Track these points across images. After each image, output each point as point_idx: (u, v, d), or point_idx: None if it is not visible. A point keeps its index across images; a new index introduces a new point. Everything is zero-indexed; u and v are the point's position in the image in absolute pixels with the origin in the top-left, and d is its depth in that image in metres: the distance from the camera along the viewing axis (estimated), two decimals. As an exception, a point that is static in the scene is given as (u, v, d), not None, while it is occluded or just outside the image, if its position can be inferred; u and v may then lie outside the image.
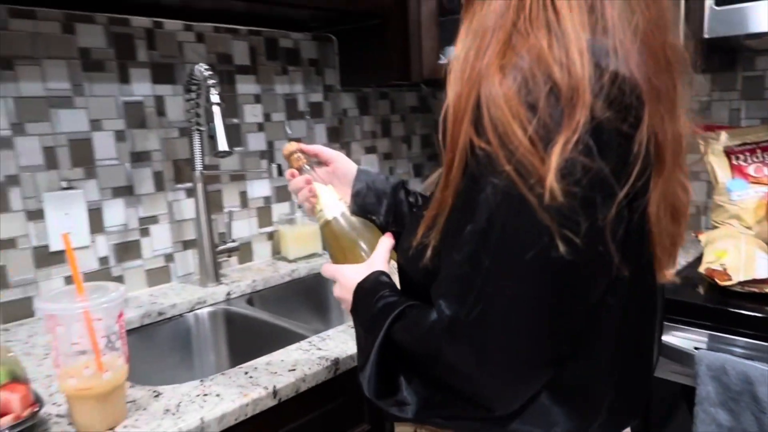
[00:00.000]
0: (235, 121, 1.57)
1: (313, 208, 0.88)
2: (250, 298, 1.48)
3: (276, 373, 0.98)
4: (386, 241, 0.82)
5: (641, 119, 0.52)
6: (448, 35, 1.59)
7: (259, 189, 1.65)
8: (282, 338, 1.25)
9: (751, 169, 1.47)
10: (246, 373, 0.99)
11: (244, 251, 1.61)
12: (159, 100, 1.42)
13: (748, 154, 1.49)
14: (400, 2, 1.54)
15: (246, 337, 1.38)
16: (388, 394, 0.65)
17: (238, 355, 1.37)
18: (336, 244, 0.86)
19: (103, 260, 1.36)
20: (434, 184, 1.77)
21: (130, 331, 1.21)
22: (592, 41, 0.51)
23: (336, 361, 1.03)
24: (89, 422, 0.82)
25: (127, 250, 1.40)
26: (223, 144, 1.19)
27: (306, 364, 1.01)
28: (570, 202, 0.49)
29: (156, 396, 0.92)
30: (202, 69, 1.25)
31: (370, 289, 0.73)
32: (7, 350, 0.83)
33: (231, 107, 1.54)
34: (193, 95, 1.34)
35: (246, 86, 1.59)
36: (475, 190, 0.53)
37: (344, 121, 1.85)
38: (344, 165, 0.90)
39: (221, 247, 1.49)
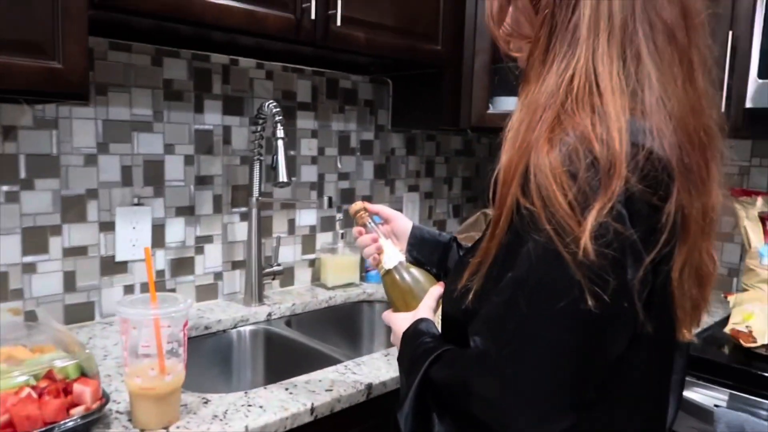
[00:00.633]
0: (292, 153, 1.68)
1: (378, 262, 0.96)
2: (289, 320, 1.57)
3: (314, 391, 1.06)
4: (435, 291, 0.89)
5: (670, 193, 0.58)
6: (498, 84, 1.69)
7: (307, 218, 1.75)
8: (315, 360, 1.33)
9: (783, 236, 1.50)
10: (286, 389, 1.07)
11: (286, 275, 1.71)
12: (226, 130, 1.54)
13: (780, 220, 1.52)
14: (456, 54, 1.65)
15: (282, 356, 1.46)
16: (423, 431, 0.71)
17: (273, 373, 1.45)
18: (394, 292, 0.94)
19: (160, 273, 1.47)
20: (470, 226, 1.84)
21: (181, 341, 1.31)
22: (631, 122, 0.58)
23: (369, 386, 1.10)
24: (147, 419, 0.91)
25: (182, 265, 1.51)
26: (283, 175, 1.29)
27: (342, 386, 1.09)
28: (601, 261, 0.55)
29: (205, 402, 1.01)
30: (271, 105, 1.37)
31: (412, 336, 0.80)
32: (83, 347, 0.93)
33: (290, 140, 1.66)
34: (259, 128, 1.46)
35: (305, 122, 1.71)
36: (517, 244, 0.60)
37: (391, 160, 1.96)
38: (402, 222, 1.01)
39: (267, 270, 1.59)
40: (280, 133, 1.33)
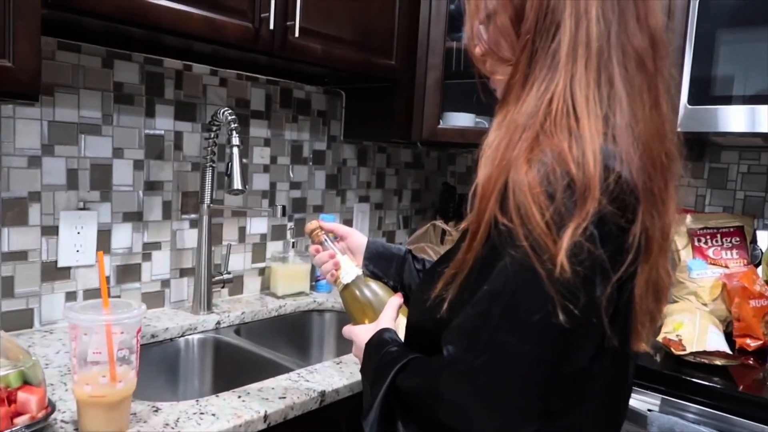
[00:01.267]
0: (245, 161, 1.67)
1: (335, 278, 0.98)
2: (238, 329, 1.55)
3: (267, 399, 1.06)
4: (395, 301, 0.92)
5: (636, 216, 0.62)
6: (448, 101, 1.74)
7: (258, 226, 1.75)
8: (265, 369, 1.32)
9: (710, 252, 1.62)
10: (239, 396, 1.07)
11: (235, 284, 1.69)
12: (178, 135, 1.52)
13: (708, 237, 1.64)
14: (409, 69, 1.69)
15: (231, 365, 1.45)
16: None
17: (222, 382, 1.43)
18: (354, 306, 0.96)
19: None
20: (420, 237, 1.88)
21: (127, 349, 1.27)
22: (603, 146, 0.62)
23: (323, 393, 1.11)
24: (96, 428, 0.89)
25: (128, 272, 1.48)
26: (238, 183, 1.29)
27: (295, 394, 1.09)
28: (574, 278, 0.58)
29: (155, 411, 0.99)
30: (226, 113, 1.37)
31: (376, 345, 0.82)
32: (28, 354, 0.90)
33: (242, 148, 1.65)
34: (212, 135, 1.45)
35: (258, 130, 1.71)
36: (494, 257, 0.62)
37: (342, 170, 1.98)
38: (357, 237, 1.03)
39: (216, 278, 1.57)
40: (235, 140, 1.32)
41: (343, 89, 1.90)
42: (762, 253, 1.62)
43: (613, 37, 0.65)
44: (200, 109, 1.56)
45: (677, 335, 1.30)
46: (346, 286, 0.96)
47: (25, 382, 0.88)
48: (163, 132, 1.50)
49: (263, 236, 1.77)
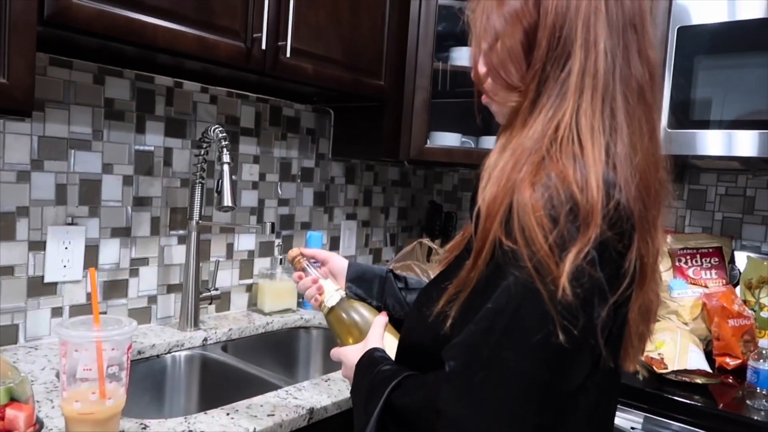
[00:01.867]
0: (234, 177, 1.68)
1: (320, 302, 0.99)
2: (225, 346, 1.55)
3: (256, 416, 1.06)
4: (380, 320, 0.93)
5: (632, 242, 0.64)
6: (435, 120, 1.77)
7: (246, 243, 1.75)
8: (253, 386, 1.32)
9: (690, 272, 1.65)
10: (227, 414, 1.07)
11: (222, 300, 1.69)
12: (168, 152, 1.53)
13: (689, 257, 1.68)
14: (398, 89, 1.72)
15: (218, 382, 1.44)
16: None
17: (208, 399, 1.42)
18: (340, 328, 0.97)
19: (90, 295, 1.42)
20: (407, 255, 1.89)
21: (113, 366, 1.27)
22: (605, 173, 0.64)
23: (311, 411, 1.12)
24: (83, 445, 0.88)
25: (115, 288, 1.47)
26: (228, 200, 1.30)
27: (283, 411, 1.09)
28: (574, 300, 0.60)
29: (144, 428, 0.99)
30: (217, 130, 1.38)
31: (368, 364, 0.82)
32: (17, 370, 0.90)
33: (232, 165, 1.66)
34: (203, 151, 1.46)
35: (247, 147, 1.72)
36: (498, 277, 0.63)
37: (330, 188, 1.99)
38: (338, 261, 1.05)
39: (204, 294, 1.57)
40: (226, 157, 1.33)
41: (331, 108, 1.93)
42: (740, 273, 1.66)
43: (617, 70, 0.67)
44: (190, 126, 1.57)
45: (659, 354, 1.33)
46: (331, 309, 0.98)
47: (13, 399, 0.87)
48: (153, 148, 1.50)
49: (251, 253, 1.77)
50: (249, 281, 1.77)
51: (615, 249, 0.63)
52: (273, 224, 1.52)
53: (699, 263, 1.66)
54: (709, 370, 1.31)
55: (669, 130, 1.52)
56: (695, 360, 1.32)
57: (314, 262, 1.05)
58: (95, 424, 0.88)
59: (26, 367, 1.19)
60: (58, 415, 0.97)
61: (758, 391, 1.25)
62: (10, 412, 0.84)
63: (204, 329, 1.54)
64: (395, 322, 0.98)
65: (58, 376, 1.15)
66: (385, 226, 2.22)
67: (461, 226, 2.32)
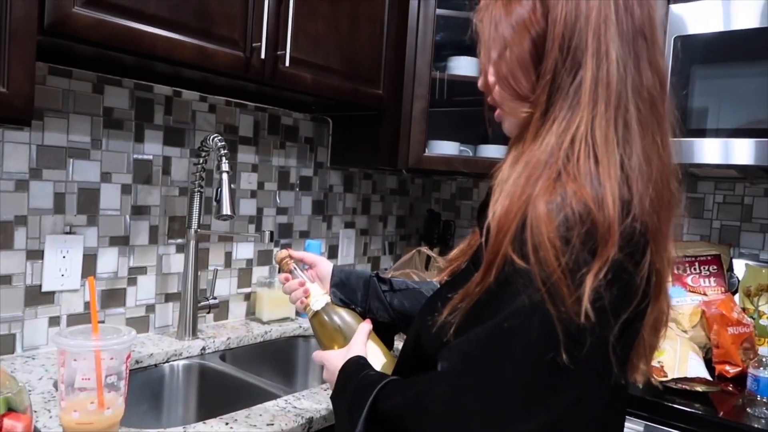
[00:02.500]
0: (232, 186, 1.68)
1: (305, 306, 1.01)
2: (223, 355, 1.54)
3: (255, 425, 1.06)
4: (364, 327, 0.94)
5: (645, 257, 0.63)
6: (433, 129, 1.78)
7: (244, 251, 1.75)
8: (251, 395, 1.32)
9: (689, 279, 1.66)
10: (226, 423, 1.06)
11: (221, 309, 1.68)
12: (166, 161, 1.53)
13: (687, 265, 1.68)
14: (396, 98, 1.73)
15: (217, 391, 1.44)
16: None
17: (207, 408, 1.42)
18: (324, 333, 0.98)
19: (88, 305, 1.42)
20: (406, 263, 1.88)
21: (111, 375, 1.26)
22: (620, 189, 0.63)
23: (310, 420, 1.11)
24: (81, 456, 0.88)
25: (113, 297, 1.47)
26: (227, 209, 1.30)
27: (283, 420, 1.09)
28: (587, 322, 0.59)
29: (142, 438, 0.98)
30: (216, 139, 1.38)
31: (350, 371, 0.83)
32: (15, 380, 0.89)
33: (231, 174, 1.66)
34: (201, 160, 1.46)
35: (246, 156, 1.72)
36: (506, 292, 0.62)
37: (329, 196, 1.99)
38: (325, 265, 1.06)
39: (202, 303, 1.56)
40: (224, 166, 1.33)
41: (330, 117, 1.93)
42: (738, 281, 1.66)
43: (629, 79, 0.66)
44: (189, 135, 1.57)
45: (659, 362, 1.32)
46: (316, 313, 0.99)
47: (11, 409, 0.87)
48: (151, 157, 1.50)
49: (249, 261, 1.77)
50: (247, 290, 1.77)
51: (630, 265, 0.62)
52: (272, 233, 1.52)
53: (697, 271, 1.66)
54: (709, 377, 1.31)
55: (666, 139, 1.53)
56: (695, 368, 1.32)
57: (302, 266, 1.05)
58: (93, 434, 0.87)
59: (24, 377, 1.18)
60: (56, 425, 0.96)
61: (758, 398, 1.25)
62: (8, 422, 0.84)
63: (202, 338, 1.53)
64: (380, 326, 0.99)
65: (55, 385, 1.14)
66: (383, 234, 2.22)
67: (459, 234, 2.33)
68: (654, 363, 1.33)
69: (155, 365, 1.42)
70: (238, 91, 1.59)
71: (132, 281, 1.50)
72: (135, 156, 1.47)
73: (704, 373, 1.31)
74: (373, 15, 1.63)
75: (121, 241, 1.47)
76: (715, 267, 1.67)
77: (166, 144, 1.53)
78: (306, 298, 1.00)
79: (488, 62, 0.74)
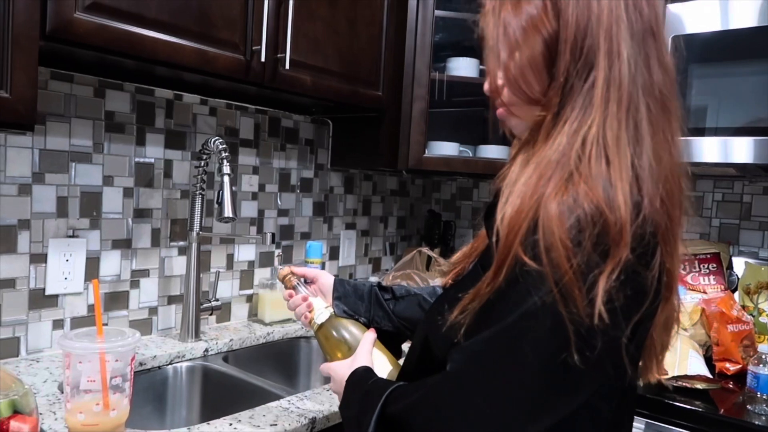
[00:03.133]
0: (234, 188, 1.69)
1: (309, 320, 1.02)
2: (226, 356, 1.55)
3: (258, 426, 1.07)
4: (369, 336, 0.94)
5: (655, 257, 0.62)
6: (433, 130, 1.79)
7: (246, 253, 1.76)
8: (254, 396, 1.33)
9: (689, 278, 1.66)
10: (230, 424, 1.07)
11: (223, 311, 1.69)
12: (168, 164, 1.54)
13: (686, 263, 1.69)
14: (395, 99, 1.74)
15: (220, 392, 1.44)
16: None
17: (210, 410, 1.42)
18: (329, 345, 0.99)
19: (91, 307, 1.43)
20: (406, 264, 1.88)
21: (115, 378, 1.27)
22: (632, 189, 0.62)
23: (313, 420, 1.12)
24: (87, 457, 0.88)
25: (116, 300, 1.48)
26: (229, 211, 1.31)
27: (286, 420, 1.10)
28: (600, 324, 0.59)
29: (146, 439, 0.99)
30: (217, 142, 1.39)
31: (358, 380, 0.83)
32: (21, 383, 0.90)
33: (232, 177, 1.67)
34: (203, 163, 1.47)
35: (247, 158, 1.73)
36: (516, 293, 0.62)
37: (329, 198, 2.00)
38: (326, 279, 1.06)
39: (205, 305, 1.57)
40: (226, 169, 1.34)
41: (330, 118, 1.94)
42: (738, 278, 1.67)
43: (639, 78, 0.65)
44: (190, 138, 1.58)
45: (659, 359, 1.33)
46: (320, 326, 1.00)
47: (16, 411, 0.87)
48: (153, 160, 1.51)
49: (251, 263, 1.77)
50: (249, 292, 1.78)
51: (641, 266, 0.61)
52: (273, 234, 1.53)
53: (697, 269, 1.66)
54: (709, 375, 1.31)
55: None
56: (695, 365, 1.32)
57: (304, 281, 1.06)
58: (99, 435, 0.88)
59: (28, 380, 1.19)
60: (61, 427, 0.97)
61: (759, 395, 1.26)
62: (14, 425, 0.84)
63: (205, 340, 1.54)
64: (384, 335, 1.00)
65: (60, 388, 1.15)
66: (384, 235, 2.23)
67: (460, 234, 2.34)
68: (654, 361, 1.34)
69: (159, 367, 1.42)
70: (239, 94, 1.60)
71: (135, 284, 1.51)
72: (136, 159, 1.48)
73: (704, 371, 1.32)
74: (371, 17, 1.64)
75: (124, 244, 1.47)
76: (714, 265, 1.68)
77: (168, 147, 1.54)
78: (310, 312, 1.01)
79: (496, 65, 0.72)
